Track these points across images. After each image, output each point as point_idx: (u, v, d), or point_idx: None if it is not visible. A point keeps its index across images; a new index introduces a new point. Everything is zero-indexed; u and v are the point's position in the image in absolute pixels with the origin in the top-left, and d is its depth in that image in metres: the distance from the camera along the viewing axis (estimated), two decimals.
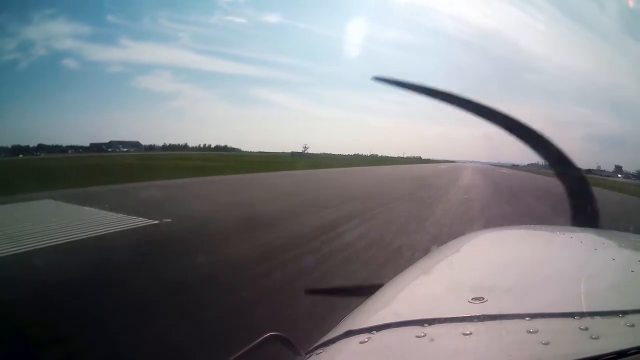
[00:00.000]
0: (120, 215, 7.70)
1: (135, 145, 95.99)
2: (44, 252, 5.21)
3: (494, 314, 0.72)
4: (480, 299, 0.79)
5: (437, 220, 8.14)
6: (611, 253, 1.24)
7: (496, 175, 31.29)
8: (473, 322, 0.70)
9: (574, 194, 1.74)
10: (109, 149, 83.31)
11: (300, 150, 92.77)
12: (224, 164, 32.29)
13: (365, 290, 1.08)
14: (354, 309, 0.95)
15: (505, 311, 0.73)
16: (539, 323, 0.67)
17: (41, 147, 77.43)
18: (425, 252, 1.48)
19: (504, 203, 12.14)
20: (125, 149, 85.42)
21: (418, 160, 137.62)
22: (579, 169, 1.80)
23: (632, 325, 0.65)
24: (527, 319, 0.68)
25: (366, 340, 0.71)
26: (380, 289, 1.07)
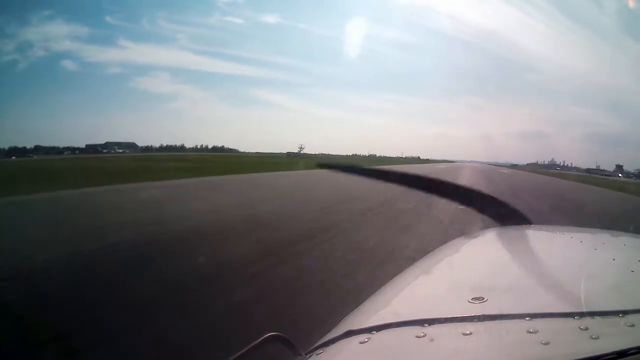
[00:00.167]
0: None
1: (131, 146, 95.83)
2: None
3: (494, 314, 0.72)
4: (480, 299, 0.79)
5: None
6: (611, 253, 1.24)
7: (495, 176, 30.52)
8: (473, 322, 0.70)
9: None
10: (104, 150, 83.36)
11: (295, 150, 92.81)
12: (200, 165, 31.19)
13: None
14: (354, 309, 0.95)
15: (505, 311, 0.73)
16: (539, 323, 0.67)
17: (38, 148, 77.69)
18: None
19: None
20: (121, 150, 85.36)
21: (416, 160, 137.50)
22: None
23: (632, 325, 0.65)
24: (527, 319, 0.68)
25: (366, 340, 0.71)
26: (380, 289, 1.07)
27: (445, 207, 8.20)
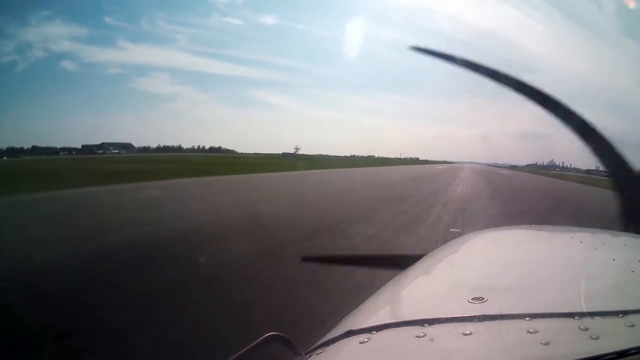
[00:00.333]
0: None
1: (127, 147, 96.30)
2: None
3: (494, 314, 0.72)
4: (480, 299, 0.79)
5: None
6: (611, 253, 1.24)
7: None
8: (473, 322, 0.70)
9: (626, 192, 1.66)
10: (99, 151, 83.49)
11: (292, 151, 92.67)
12: (180, 166, 30.89)
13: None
14: (354, 309, 0.95)
15: (505, 311, 0.73)
16: (539, 323, 0.67)
17: (36, 149, 78.17)
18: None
19: None
20: (116, 151, 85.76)
21: (415, 161, 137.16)
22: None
23: (632, 325, 0.65)
24: (527, 319, 0.68)
25: (366, 340, 0.71)
26: (380, 289, 1.07)
27: None
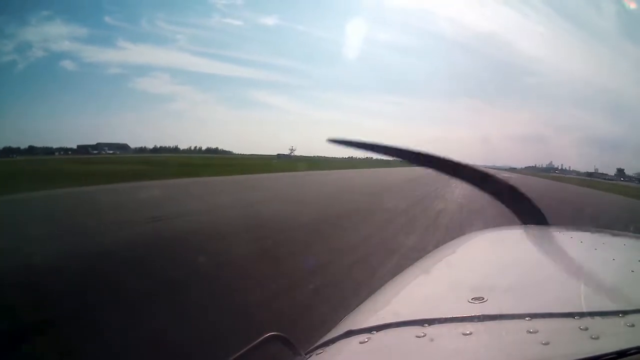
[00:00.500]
0: None
1: (122, 147, 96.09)
2: None
3: (494, 314, 0.72)
4: (480, 299, 0.79)
5: None
6: (611, 253, 1.25)
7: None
8: (473, 322, 0.70)
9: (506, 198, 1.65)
10: (94, 151, 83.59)
11: (286, 152, 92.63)
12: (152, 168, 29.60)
13: None
14: (354, 309, 0.95)
15: (505, 311, 0.73)
16: (539, 323, 0.67)
17: (32, 149, 78.40)
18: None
19: None
20: (111, 151, 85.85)
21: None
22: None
23: (632, 325, 0.65)
24: (527, 319, 0.68)
25: (366, 340, 0.71)
26: (380, 289, 1.07)
27: None
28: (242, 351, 0.72)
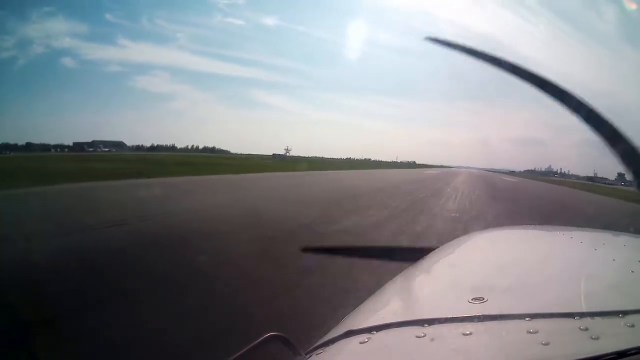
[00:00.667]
0: None
1: (119, 145, 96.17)
2: None
3: (494, 314, 0.72)
4: (480, 299, 0.79)
5: None
6: (611, 253, 1.24)
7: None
8: (473, 322, 0.70)
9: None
10: (90, 149, 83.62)
11: (282, 152, 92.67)
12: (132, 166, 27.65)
13: None
14: (354, 309, 0.95)
15: (505, 311, 0.73)
16: (539, 323, 0.67)
17: (30, 146, 78.96)
18: None
19: None
20: (107, 149, 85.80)
21: (411, 165, 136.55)
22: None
23: (632, 326, 0.65)
24: (527, 319, 0.69)
25: (366, 340, 0.71)
26: (381, 289, 1.07)
27: None
28: (242, 351, 0.72)
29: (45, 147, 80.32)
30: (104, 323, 3.20)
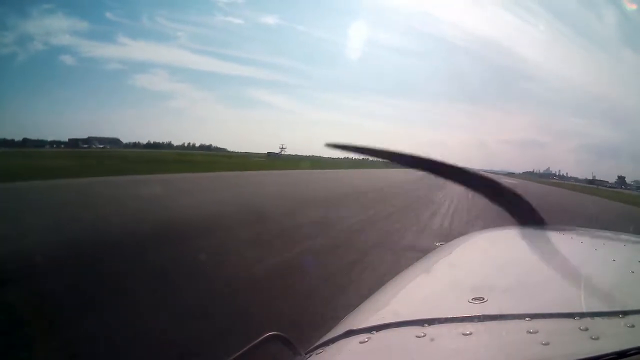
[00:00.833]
0: None
1: (114, 142, 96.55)
2: None
3: (494, 314, 0.72)
4: (480, 299, 0.79)
5: None
6: (611, 253, 1.24)
7: None
8: (473, 322, 0.70)
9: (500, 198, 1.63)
10: (85, 145, 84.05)
11: (277, 151, 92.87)
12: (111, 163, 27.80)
13: None
14: (354, 309, 0.95)
15: (505, 311, 0.73)
16: (539, 323, 0.67)
17: (26, 142, 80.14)
18: None
19: None
20: (102, 146, 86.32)
21: None
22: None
23: (632, 326, 0.65)
24: (527, 319, 0.69)
25: (366, 340, 0.71)
26: (380, 289, 1.07)
27: None
28: (241, 351, 0.72)
29: (40, 144, 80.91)
30: None
